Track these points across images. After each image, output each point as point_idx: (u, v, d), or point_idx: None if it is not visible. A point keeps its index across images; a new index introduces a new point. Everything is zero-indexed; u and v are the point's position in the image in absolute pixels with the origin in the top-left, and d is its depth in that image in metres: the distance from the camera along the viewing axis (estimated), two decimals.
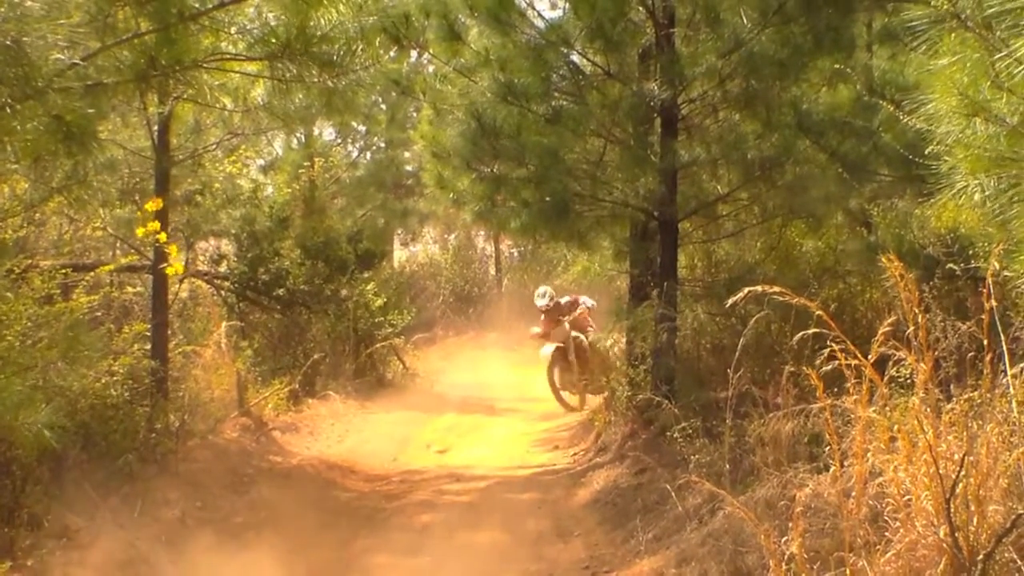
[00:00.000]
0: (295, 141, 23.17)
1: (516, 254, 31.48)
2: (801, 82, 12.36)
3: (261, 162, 23.03)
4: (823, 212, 12.94)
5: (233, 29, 8.29)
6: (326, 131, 24.54)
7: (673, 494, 9.69)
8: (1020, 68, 5.52)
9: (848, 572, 6.92)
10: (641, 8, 12.70)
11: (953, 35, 5.89)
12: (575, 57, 13.29)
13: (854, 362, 7.07)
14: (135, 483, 11.29)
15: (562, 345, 19.79)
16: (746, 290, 7.59)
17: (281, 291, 18.09)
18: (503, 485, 13.60)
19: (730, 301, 7.78)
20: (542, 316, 20.42)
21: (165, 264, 12.93)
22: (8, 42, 5.72)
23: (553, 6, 14.18)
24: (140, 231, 12.82)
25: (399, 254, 30.60)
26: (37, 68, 6.01)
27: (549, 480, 13.77)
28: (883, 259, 7.54)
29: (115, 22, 7.54)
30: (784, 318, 11.68)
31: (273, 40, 8.14)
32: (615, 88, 13.01)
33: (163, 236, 12.54)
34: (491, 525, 11.66)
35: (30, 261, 11.57)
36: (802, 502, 7.34)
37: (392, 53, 14.07)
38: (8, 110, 6.27)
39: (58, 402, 8.87)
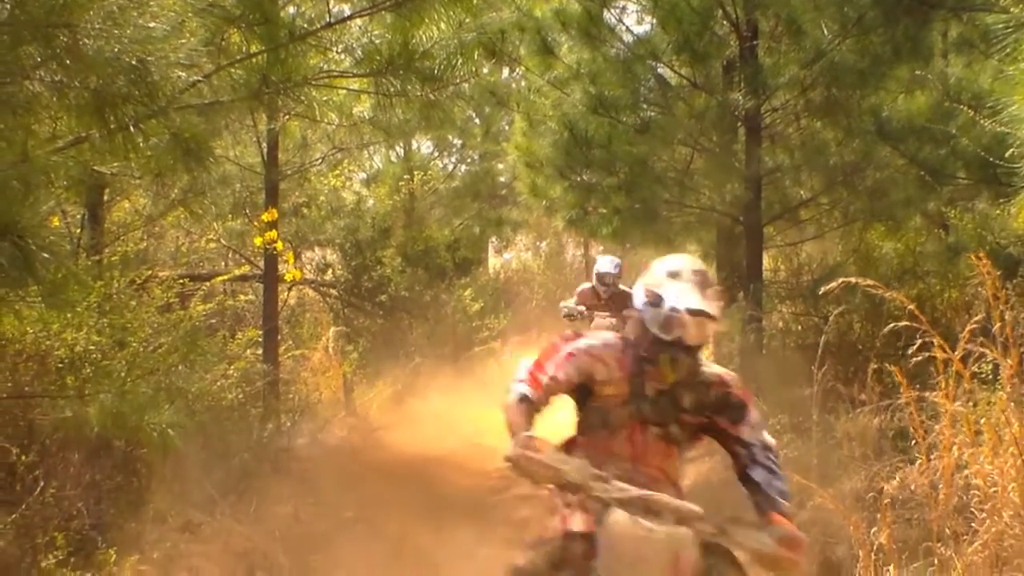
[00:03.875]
0: (395, 155, 23.62)
1: None
2: (880, 90, 12.57)
3: (363, 175, 23.70)
4: (902, 215, 13.07)
5: (339, 47, 8.57)
6: (424, 145, 24.98)
7: None
8: None
9: (936, 562, 7.19)
10: (725, 22, 13.03)
11: None
12: (662, 69, 13.62)
13: (941, 356, 7.35)
14: (251, 481, 11.69)
15: None
16: (839, 280, 7.89)
17: (384, 297, 18.61)
18: None
19: (823, 290, 8.07)
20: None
21: (283, 272, 13.46)
22: (135, 62, 5.96)
23: (640, 21, 14.44)
24: (257, 240, 13.43)
25: (493, 261, 30.88)
26: (160, 87, 6.22)
27: None
28: (971, 258, 7.80)
29: (228, 44, 7.92)
30: (867, 317, 12.00)
31: (378, 57, 8.40)
32: (701, 99, 13.33)
33: (279, 244, 13.11)
34: None
35: (150, 272, 11.95)
36: (890, 494, 7.61)
37: (486, 69, 14.46)
38: (133, 128, 6.47)
39: (179, 403, 9.19)
